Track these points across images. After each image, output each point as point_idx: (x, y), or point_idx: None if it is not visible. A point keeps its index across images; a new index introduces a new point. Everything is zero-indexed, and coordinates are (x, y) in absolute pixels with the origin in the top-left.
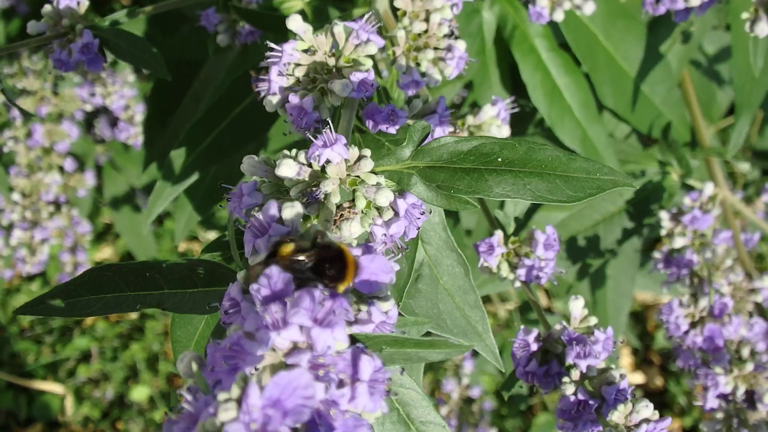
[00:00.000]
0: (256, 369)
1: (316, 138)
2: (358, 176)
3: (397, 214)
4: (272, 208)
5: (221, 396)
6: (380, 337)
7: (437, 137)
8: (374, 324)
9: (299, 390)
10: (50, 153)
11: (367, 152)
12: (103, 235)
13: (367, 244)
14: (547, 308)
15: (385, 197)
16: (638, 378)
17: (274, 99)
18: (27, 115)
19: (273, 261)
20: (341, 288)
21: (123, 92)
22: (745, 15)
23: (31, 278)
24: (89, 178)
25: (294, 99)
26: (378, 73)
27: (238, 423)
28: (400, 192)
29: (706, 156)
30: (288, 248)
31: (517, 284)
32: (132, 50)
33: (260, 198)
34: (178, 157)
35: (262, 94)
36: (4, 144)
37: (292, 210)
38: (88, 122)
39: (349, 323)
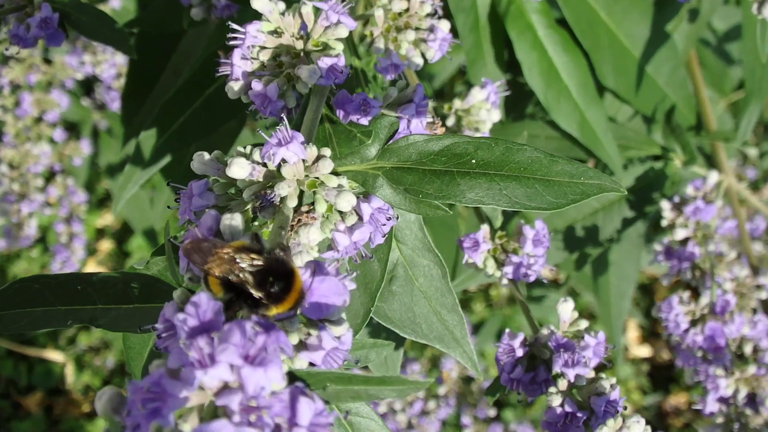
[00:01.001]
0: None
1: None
2: (317, 178)
3: (361, 219)
4: (209, 220)
5: None
6: (323, 373)
7: (406, 134)
8: (325, 351)
9: None
10: (39, 123)
11: (327, 152)
12: (105, 201)
13: (318, 262)
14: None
15: (347, 201)
16: (645, 351)
17: (236, 85)
18: None
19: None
20: (273, 311)
21: (114, 60)
22: None
23: (31, 245)
24: (85, 146)
25: (257, 86)
26: (356, 53)
27: None
28: (365, 195)
29: (712, 141)
30: (235, 245)
31: (505, 281)
32: (95, 26)
33: (212, 199)
34: (148, 138)
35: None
36: None
37: (231, 222)
38: (88, 87)
39: (298, 348)
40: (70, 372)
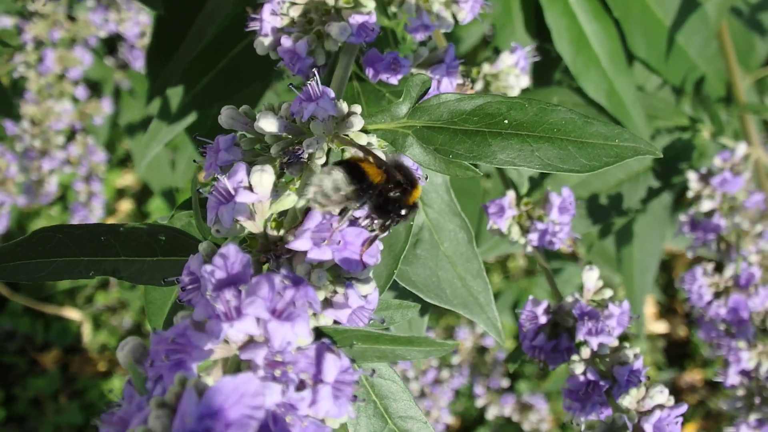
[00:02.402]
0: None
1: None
2: (347, 135)
3: None
4: (239, 172)
5: (154, 401)
6: (350, 331)
7: (437, 93)
8: (351, 309)
9: (246, 398)
10: (62, 80)
11: (358, 108)
12: (125, 161)
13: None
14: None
15: None
16: (662, 327)
17: (266, 41)
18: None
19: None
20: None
21: (138, 19)
22: None
23: (51, 202)
24: (106, 105)
25: (286, 42)
26: (386, 13)
27: None
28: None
29: (742, 113)
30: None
31: (529, 249)
32: None
33: (239, 154)
34: (175, 95)
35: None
36: (15, 69)
37: (262, 175)
38: (111, 46)
39: (324, 305)
40: (87, 331)
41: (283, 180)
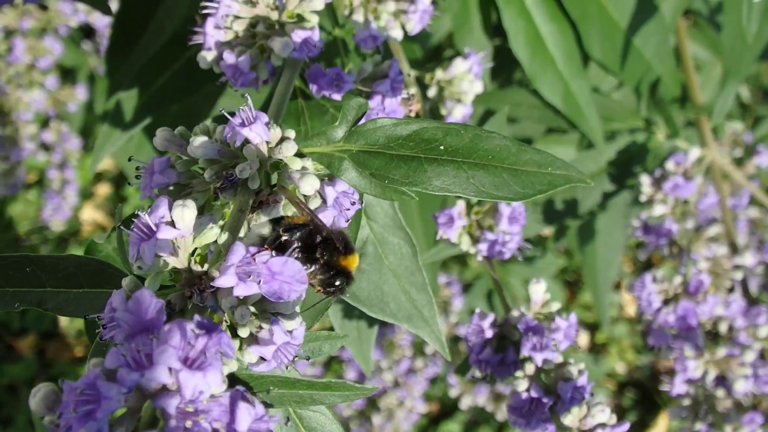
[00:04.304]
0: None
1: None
2: (281, 159)
3: (325, 202)
4: (161, 207)
5: None
6: (266, 377)
7: (378, 110)
8: (276, 345)
9: None
10: (32, 70)
11: (291, 134)
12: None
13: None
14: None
15: (310, 185)
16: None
17: (209, 55)
18: None
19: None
20: (343, 263)
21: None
22: None
23: (28, 186)
24: (80, 92)
25: (229, 57)
26: (337, 21)
27: None
28: (330, 178)
29: (696, 115)
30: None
31: (479, 258)
32: None
33: (173, 176)
34: (128, 98)
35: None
36: None
37: (184, 210)
38: (89, 31)
39: (249, 341)
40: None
41: (218, 203)
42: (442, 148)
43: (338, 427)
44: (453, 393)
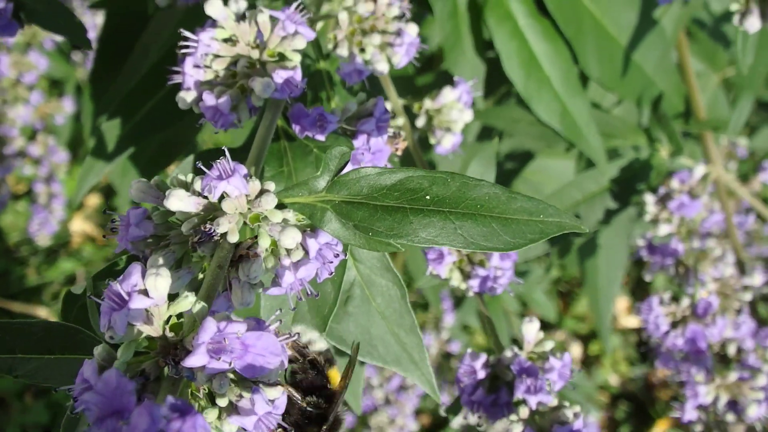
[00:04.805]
0: None
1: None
2: (261, 212)
3: (307, 254)
4: (133, 275)
5: None
6: None
7: (356, 168)
8: (257, 416)
9: None
10: (17, 85)
11: (271, 186)
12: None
13: (257, 318)
14: None
15: (291, 238)
16: (634, 322)
17: (188, 96)
18: None
19: None
20: None
21: (94, 22)
22: (735, 6)
23: (17, 197)
24: (67, 105)
25: (209, 98)
26: (321, 54)
27: None
28: (312, 229)
29: (701, 130)
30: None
31: (471, 294)
32: (50, 16)
33: (150, 228)
34: (111, 128)
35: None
36: None
37: (157, 279)
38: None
39: (229, 411)
40: None
41: (195, 259)
42: (428, 197)
43: None
44: (443, 411)
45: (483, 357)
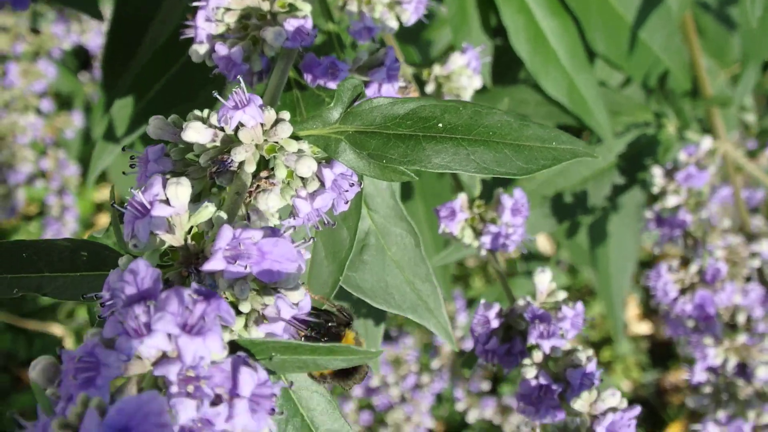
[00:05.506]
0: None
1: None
2: (277, 142)
3: (323, 185)
4: (155, 185)
5: (56, 422)
6: (268, 343)
7: (369, 98)
8: (284, 322)
9: (151, 417)
10: (27, 94)
11: (286, 115)
12: (103, 176)
13: (272, 227)
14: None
15: (307, 167)
16: (645, 328)
17: (201, 48)
18: None
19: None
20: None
21: (101, 29)
22: None
23: (29, 218)
24: (76, 119)
25: (221, 49)
26: (331, 17)
27: None
28: (327, 160)
29: (708, 106)
30: None
31: (483, 252)
32: None
33: (168, 165)
34: (123, 107)
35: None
36: None
37: (178, 188)
38: (86, 61)
39: (257, 321)
40: (69, 345)
41: (215, 190)
42: (440, 125)
43: (335, 408)
44: (459, 407)
45: (496, 306)
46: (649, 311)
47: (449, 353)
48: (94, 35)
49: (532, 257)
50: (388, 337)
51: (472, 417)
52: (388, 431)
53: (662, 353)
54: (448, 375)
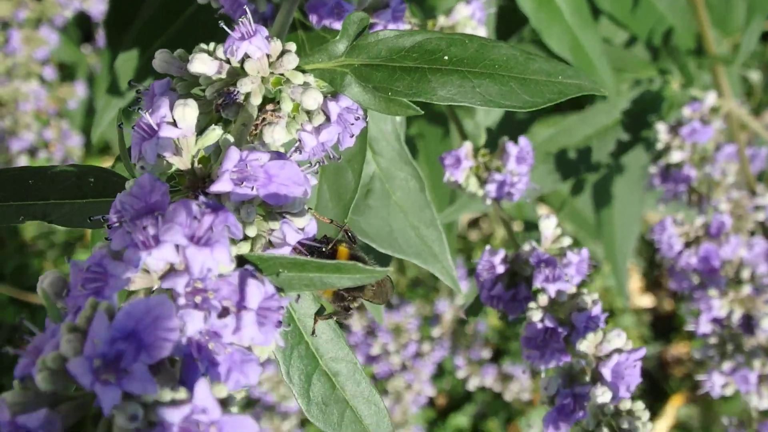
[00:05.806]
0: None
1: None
2: (282, 74)
3: (328, 118)
4: (162, 107)
5: (65, 326)
6: (275, 258)
7: (375, 31)
8: (290, 247)
9: (160, 321)
10: (29, 61)
11: (292, 47)
12: (106, 150)
13: (278, 152)
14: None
15: (313, 99)
16: (647, 301)
17: None
18: None
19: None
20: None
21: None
22: None
23: None
24: (79, 89)
25: None
26: None
27: (81, 358)
28: (333, 94)
29: (712, 64)
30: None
31: (488, 201)
32: None
33: (174, 98)
34: (127, 60)
35: None
36: None
37: (185, 109)
38: (88, 33)
39: (264, 246)
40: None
41: (221, 123)
42: (446, 58)
43: (339, 336)
44: (460, 375)
45: (502, 252)
46: (652, 284)
47: (449, 321)
48: (96, 2)
49: (534, 227)
50: (389, 305)
51: (472, 385)
52: (388, 399)
53: (664, 326)
54: (449, 344)
